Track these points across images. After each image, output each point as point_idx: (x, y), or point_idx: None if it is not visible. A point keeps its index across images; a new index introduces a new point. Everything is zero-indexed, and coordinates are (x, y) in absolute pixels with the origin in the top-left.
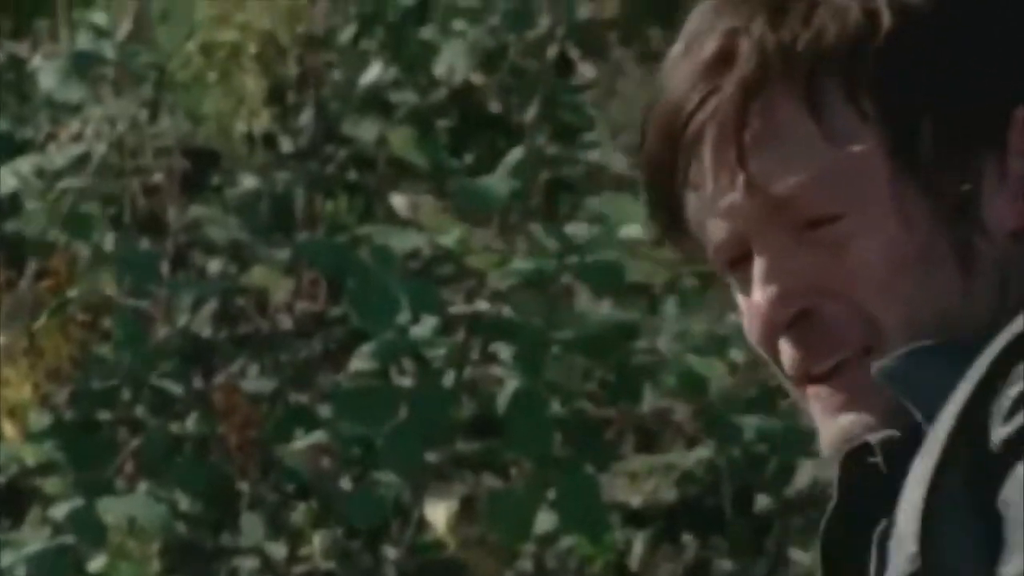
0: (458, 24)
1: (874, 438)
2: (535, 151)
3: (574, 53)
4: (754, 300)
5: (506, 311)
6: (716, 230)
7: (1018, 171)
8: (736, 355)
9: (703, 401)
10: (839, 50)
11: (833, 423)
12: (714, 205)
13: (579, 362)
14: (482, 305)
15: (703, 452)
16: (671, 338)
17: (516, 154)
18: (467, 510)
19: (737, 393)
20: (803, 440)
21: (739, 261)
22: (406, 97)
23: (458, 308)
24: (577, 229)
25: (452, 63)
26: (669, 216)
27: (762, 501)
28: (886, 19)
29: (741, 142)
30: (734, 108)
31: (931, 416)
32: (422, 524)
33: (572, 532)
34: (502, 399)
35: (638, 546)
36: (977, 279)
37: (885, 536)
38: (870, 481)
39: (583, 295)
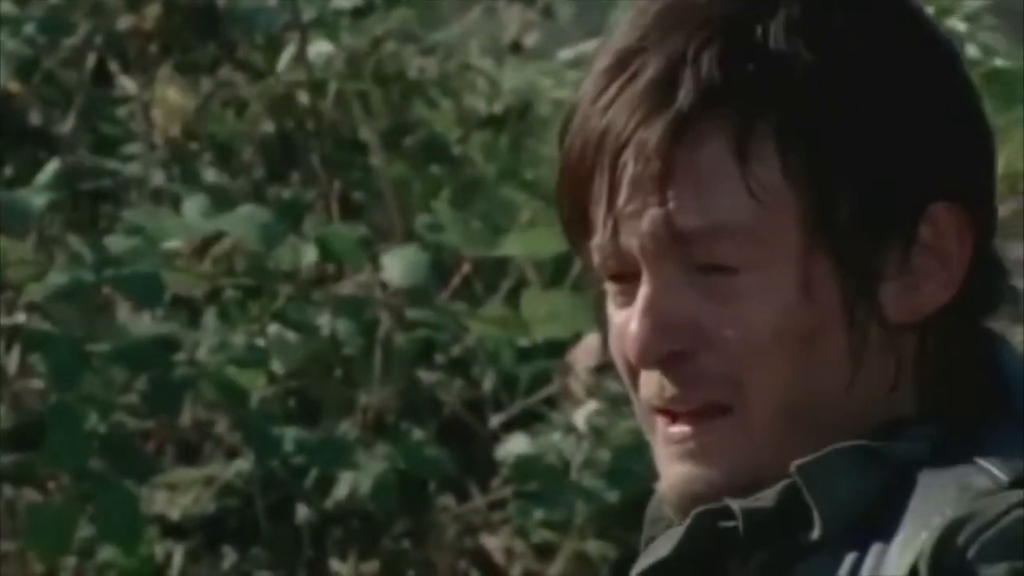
0: None
1: (738, 505)
2: (74, 163)
3: (114, 65)
4: (631, 326)
5: (44, 324)
6: (611, 242)
7: (920, 266)
8: (276, 367)
9: (243, 413)
10: (780, 98)
11: (679, 469)
12: (618, 220)
13: (118, 375)
14: (20, 318)
15: (242, 464)
16: (211, 350)
17: (52, 166)
18: (6, 524)
19: (277, 405)
20: (342, 452)
21: (624, 278)
22: None
23: None
24: (116, 241)
25: None
26: (576, 221)
27: (302, 512)
28: (829, 79)
29: (663, 171)
30: (664, 140)
31: (827, 526)
32: None
33: (109, 545)
34: (40, 412)
35: (177, 558)
36: (863, 368)
37: None
38: (709, 540)
39: (124, 308)
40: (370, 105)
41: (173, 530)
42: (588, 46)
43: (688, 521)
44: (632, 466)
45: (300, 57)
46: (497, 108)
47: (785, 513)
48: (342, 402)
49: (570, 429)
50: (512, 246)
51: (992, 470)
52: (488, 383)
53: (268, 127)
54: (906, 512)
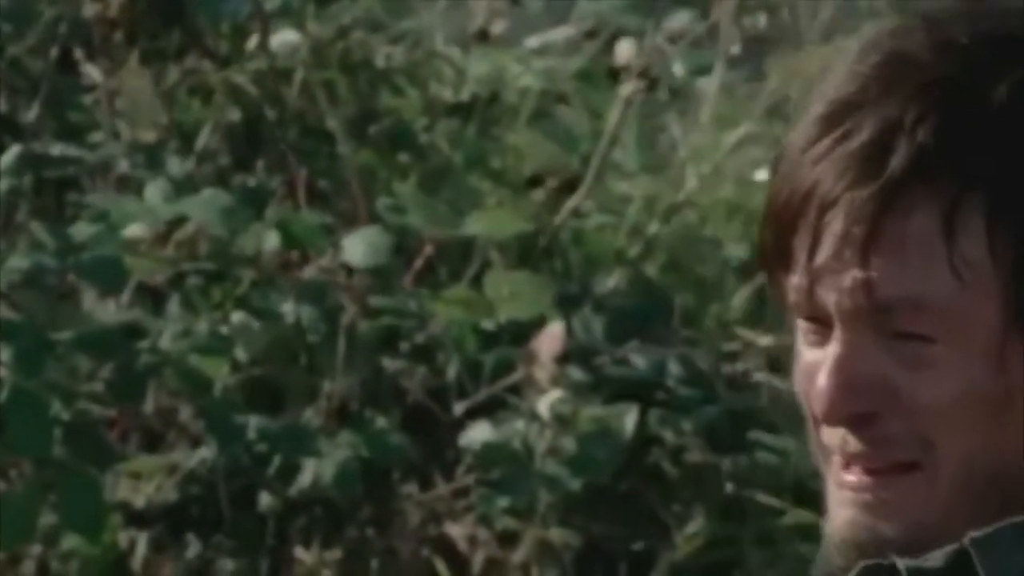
0: None
1: (904, 564)
2: (37, 150)
3: (79, 53)
4: (820, 380)
5: (7, 311)
6: (808, 291)
7: None
8: (240, 354)
9: (205, 401)
10: (994, 173)
11: (850, 514)
12: (818, 273)
13: (82, 362)
14: None
15: (206, 452)
16: (174, 337)
17: (14, 152)
18: None
19: (240, 392)
20: (305, 440)
21: (816, 320)
22: None
23: None
24: (79, 228)
25: None
26: (777, 256)
27: (265, 500)
28: None
29: (869, 237)
30: (873, 206)
31: None
32: None
33: (73, 533)
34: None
35: (141, 546)
36: None
37: None
38: None
39: (90, 296)
40: (336, 93)
41: (137, 518)
42: (555, 34)
43: (853, 574)
44: (596, 453)
45: (263, 46)
46: (464, 96)
47: None
48: (305, 390)
49: (534, 417)
50: (475, 226)
51: None
52: (452, 371)
53: (234, 115)
54: None
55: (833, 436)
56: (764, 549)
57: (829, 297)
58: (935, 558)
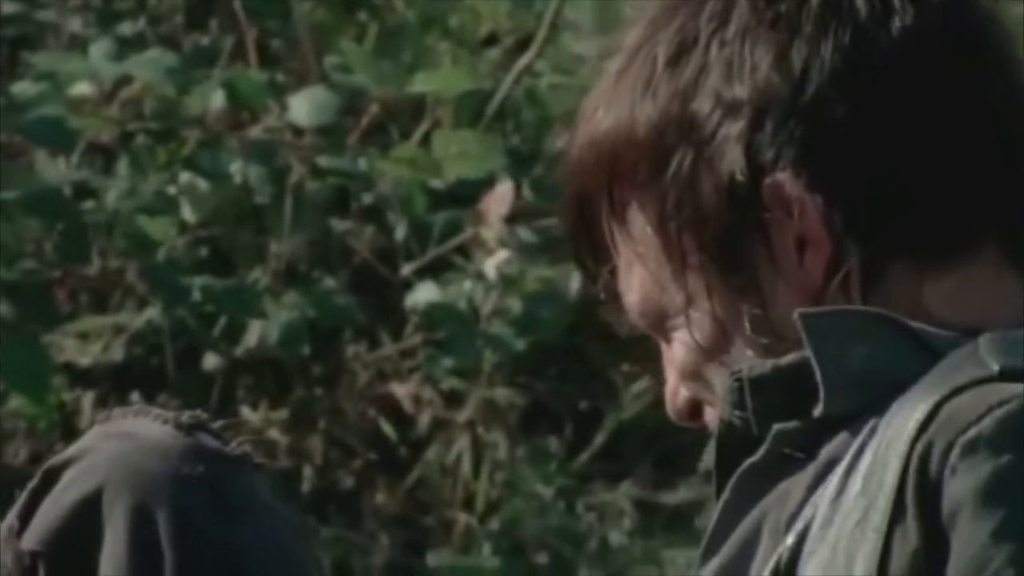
0: None
1: (749, 372)
2: None
3: None
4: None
5: None
6: None
7: (782, 251)
8: (187, 214)
9: (152, 261)
10: (610, 166)
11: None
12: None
13: (29, 222)
14: None
15: (152, 312)
16: (121, 197)
17: None
18: None
19: (188, 253)
20: (250, 300)
21: None
22: None
23: None
24: (24, 87)
25: None
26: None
27: (211, 360)
28: (628, 148)
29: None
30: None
31: (831, 403)
32: None
33: (17, 393)
34: None
35: (87, 406)
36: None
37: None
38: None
39: (41, 155)
40: None
41: (82, 378)
42: None
43: (728, 393)
44: (541, 314)
45: None
46: None
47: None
48: (253, 250)
49: (480, 277)
50: (422, 83)
51: (987, 359)
52: (400, 231)
53: None
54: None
55: None
56: None
57: None
58: (782, 360)
